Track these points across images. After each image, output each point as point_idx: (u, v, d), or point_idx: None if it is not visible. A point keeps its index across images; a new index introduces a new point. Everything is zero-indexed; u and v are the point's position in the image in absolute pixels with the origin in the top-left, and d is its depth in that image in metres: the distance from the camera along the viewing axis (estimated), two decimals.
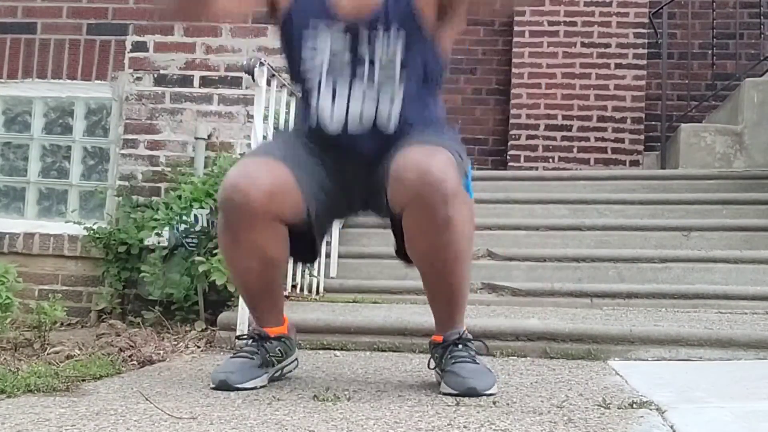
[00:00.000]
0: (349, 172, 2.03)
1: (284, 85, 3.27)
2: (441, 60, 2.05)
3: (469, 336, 2.02)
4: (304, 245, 2.05)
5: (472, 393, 1.86)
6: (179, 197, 3.64)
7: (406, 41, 1.96)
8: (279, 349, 2.06)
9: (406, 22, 1.95)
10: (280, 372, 2.09)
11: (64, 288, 4.12)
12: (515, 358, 2.61)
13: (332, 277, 3.68)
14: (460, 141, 2.08)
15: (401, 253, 2.04)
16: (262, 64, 2.96)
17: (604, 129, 6.08)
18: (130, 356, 2.70)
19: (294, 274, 3.35)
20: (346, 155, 2.01)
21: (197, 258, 3.32)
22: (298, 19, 2.00)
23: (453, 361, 1.95)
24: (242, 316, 2.77)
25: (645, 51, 6.12)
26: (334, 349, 2.74)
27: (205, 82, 4.17)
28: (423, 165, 1.79)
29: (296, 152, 2.02)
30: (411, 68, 1.97)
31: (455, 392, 1.87)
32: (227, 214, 1.92)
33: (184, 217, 3.55)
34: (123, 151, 4.20)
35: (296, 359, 2.19)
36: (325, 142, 2.01)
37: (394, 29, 1.95)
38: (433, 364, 2.05)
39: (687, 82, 6.10)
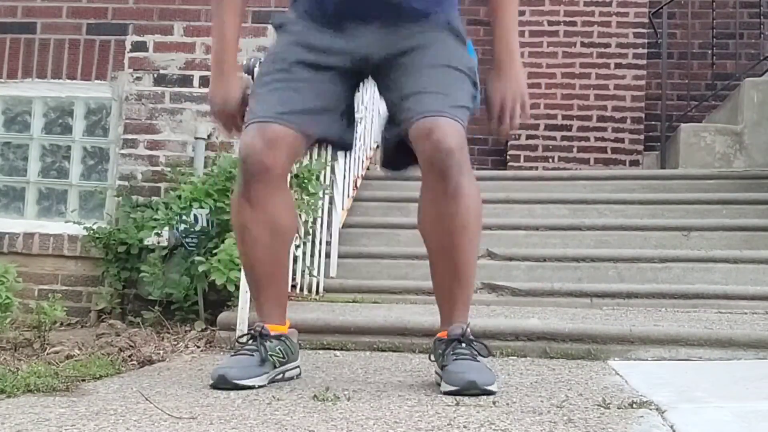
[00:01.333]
0: (354, 64, 2.06)
1: None
2: None
3: (472, 337, 2.02)
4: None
5: (473, 387, 1.85)
6: (179, 197, 3.64)
7: None
8: (279, 349, 2.06)
9: None
10: (281, 375, 2.08)
11: (64, 288, 4.12)
12: (515, 358, 2.61)
13: (332, 277, 3.68)
14: (468, 56, 2.14)
15: (388, 163, 2.16)
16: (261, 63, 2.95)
17: (604, 129, 6.08)
18: (129, 356, 2.70)
19: (294, 274, 3.35)
20: (353, 28, 2.03)
21: (197, 258, 3.32)
22: None
23: (454, 357, 1.95)
24: (242, 316, 2.77)
25: (645, 51, 6.12)
26: (334, 349, 2.74)
27: (205, 81, 4.17)
28: (436, 135, 1.90)
29: (298, 85, 2.03)
30: None
31: (455, 388, 1.87)
32: (244, 171, 1.99)
33: (184, 217, 3.55)
34: (123, 151, 4.20)
35: (299, 368, 2.17)
36: (333, 17, 2.03)
37: None
38: (433, 358, 2.05)
39: (687, 82, 6.10)
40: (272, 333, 2.06)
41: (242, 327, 2.76)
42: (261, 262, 2.07)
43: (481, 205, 1.99)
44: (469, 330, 2.03)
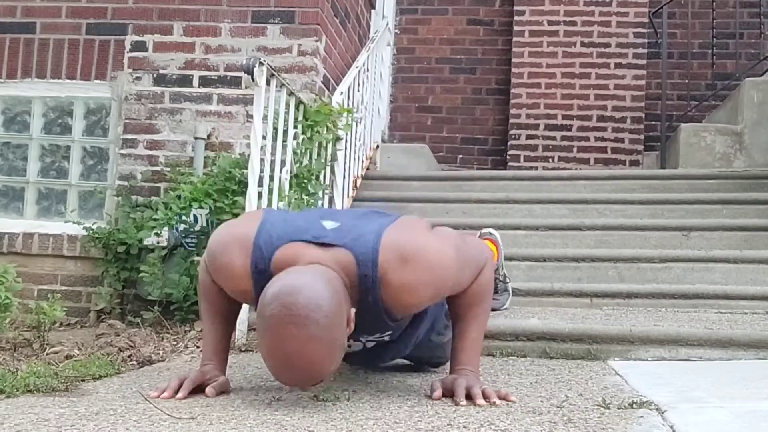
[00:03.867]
0: None
1: (283, 84, 3.27)
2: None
3: None
4: None
5: None
6: (178, 197, 3.64)
7: (392, 333, 1.97)
8: None
9: (386, 330, 1.93)
10: None
11: (64, 288, 4.12)
12: (515, 358, 2.61)
13: None
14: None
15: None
16: (261, 63, 2.95)
17: (604, 129, 6.09)
18: (129, 356, 2.70)
19: None
20: None
21: (196, 258, 3.32)
22: None
23: None
24: (241, 316, 2.76)
25: (645, 51, 6.12)
26: None
27: (204, 81, 4.17)
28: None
29: None
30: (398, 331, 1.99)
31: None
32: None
33: (184, 217, 3.55)
34: (122, 151, 4.20)
35: None
36: None
37: (377, 338, 1.97)
38: None
39: (687, 81, 6.11)
40: None
41: (242, 327, 2.76)
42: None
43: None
44: None
